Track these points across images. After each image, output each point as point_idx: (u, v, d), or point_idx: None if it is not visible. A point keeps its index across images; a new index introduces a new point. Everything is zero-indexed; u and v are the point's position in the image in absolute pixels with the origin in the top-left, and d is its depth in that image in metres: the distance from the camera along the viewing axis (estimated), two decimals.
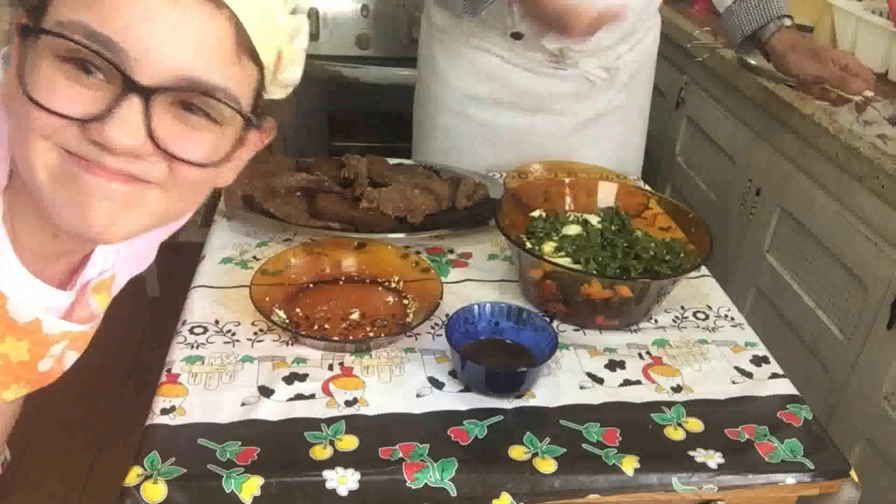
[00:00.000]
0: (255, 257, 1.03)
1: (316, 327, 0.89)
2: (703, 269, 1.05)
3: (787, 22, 1.29)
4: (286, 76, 0.61)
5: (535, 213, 1.04)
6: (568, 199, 1.08)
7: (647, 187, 1.24)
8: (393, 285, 0.98)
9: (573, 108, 1.29)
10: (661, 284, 0.91)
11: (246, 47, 0.54)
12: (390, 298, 0.96)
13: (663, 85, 2.05)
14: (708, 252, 0.93)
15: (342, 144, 2.17)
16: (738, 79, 1.61)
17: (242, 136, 0.58)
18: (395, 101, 2.13)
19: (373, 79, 2.03)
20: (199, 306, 0.93)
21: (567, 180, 1.09)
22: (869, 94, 1.28)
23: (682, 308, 0.98)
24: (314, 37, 1.97)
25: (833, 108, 1.35)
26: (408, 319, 0.91)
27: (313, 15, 1.91)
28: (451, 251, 1.08)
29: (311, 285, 0.97)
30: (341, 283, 0.99)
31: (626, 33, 1.26)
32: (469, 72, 1.27)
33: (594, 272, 0.91)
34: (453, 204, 1.11)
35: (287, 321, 0.89)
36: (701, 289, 1.02)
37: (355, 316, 0.92)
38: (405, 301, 0.95)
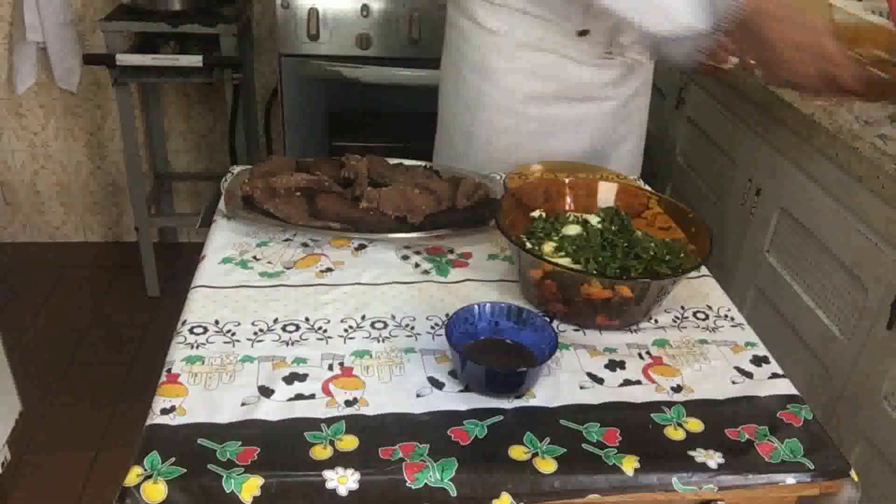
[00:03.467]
0: (255, 257, 1.03)
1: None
2: (703, 269, 1.05)
3: None
4: None
5: (536, 214, 1.04)
6: (568, 199, 1.08)
7: (648, 187, 1.24)
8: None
9: (612, 92, 1.35)
10: (661, 284, 0.91)
11: None
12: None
13: (663, 85, 2.05)
14: (708, 252, 0.93)
15: (342, 144, 2.18)
16: (739, 78, 1.61)
17: None
18: (396, 100, 2.13)
19: (373, 79, 2.03)
20: (199, 306, 0.93)
21: (567, 180, 1.09)
22: (735, 60, 1.31)
23: (683, 308, 0.98)
24: (314, 37, 1.97)
25: (832, 108, 1.35)
26: None
27: (313, 15, 1.91)
28: (451, 251, 1.08)
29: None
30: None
31: None
32: (527, 72, 1.29)
33: (594, 272, 0.91)
34: (453, 204, 1.11)
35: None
36: (701, 289, 1.02)
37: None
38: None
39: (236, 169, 1.21)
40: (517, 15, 1.25)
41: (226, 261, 1.02)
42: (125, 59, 2.16)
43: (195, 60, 2.14)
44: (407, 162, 1.25)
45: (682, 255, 0.96)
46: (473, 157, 1.37)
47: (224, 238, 1.07)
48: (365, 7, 1.97)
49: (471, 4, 1.30)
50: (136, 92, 2.59)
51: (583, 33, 1.24)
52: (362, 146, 2.03)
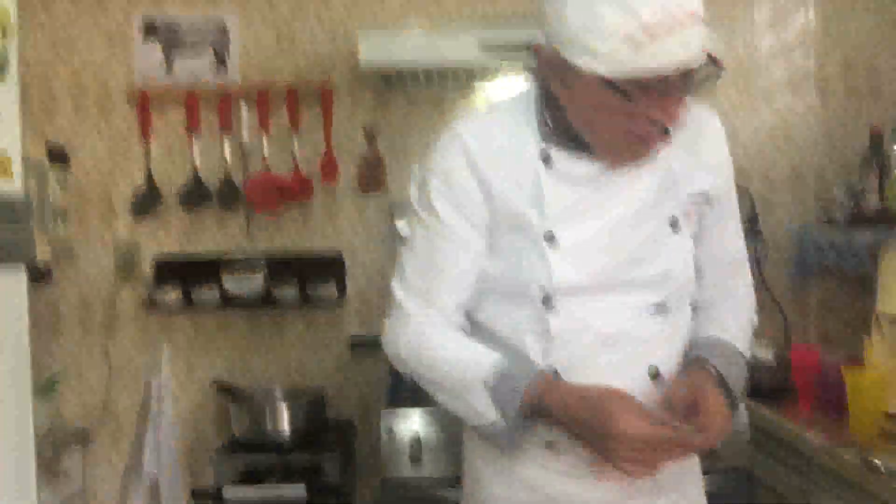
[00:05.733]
0: None
1: None
2: None
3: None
4: None
5: None
6: None
7: None
8: None
9: None
10: None
11: None
12: None
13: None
14: None
15: None
16: (865, 479, 1.52)
17: None
18: None
19: None
20: None
21: None
22: None
23: None
24: (416, 461, 2.01)
25: None
26: None
27: (416, 441, 1.97)
28: None
29: None
30: None
31: None
32: (510, 479, 1.25)
33: None
34: None
35: None
36: None
37: None
38: None
39: None
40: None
41: None
42: (232, 492, 2.20)
43: (299, 490, 2.16)
44: None
45: None
46: None
47: None
48: None
49: None
50: None
51: (549, 445, 1.20)
52: None
